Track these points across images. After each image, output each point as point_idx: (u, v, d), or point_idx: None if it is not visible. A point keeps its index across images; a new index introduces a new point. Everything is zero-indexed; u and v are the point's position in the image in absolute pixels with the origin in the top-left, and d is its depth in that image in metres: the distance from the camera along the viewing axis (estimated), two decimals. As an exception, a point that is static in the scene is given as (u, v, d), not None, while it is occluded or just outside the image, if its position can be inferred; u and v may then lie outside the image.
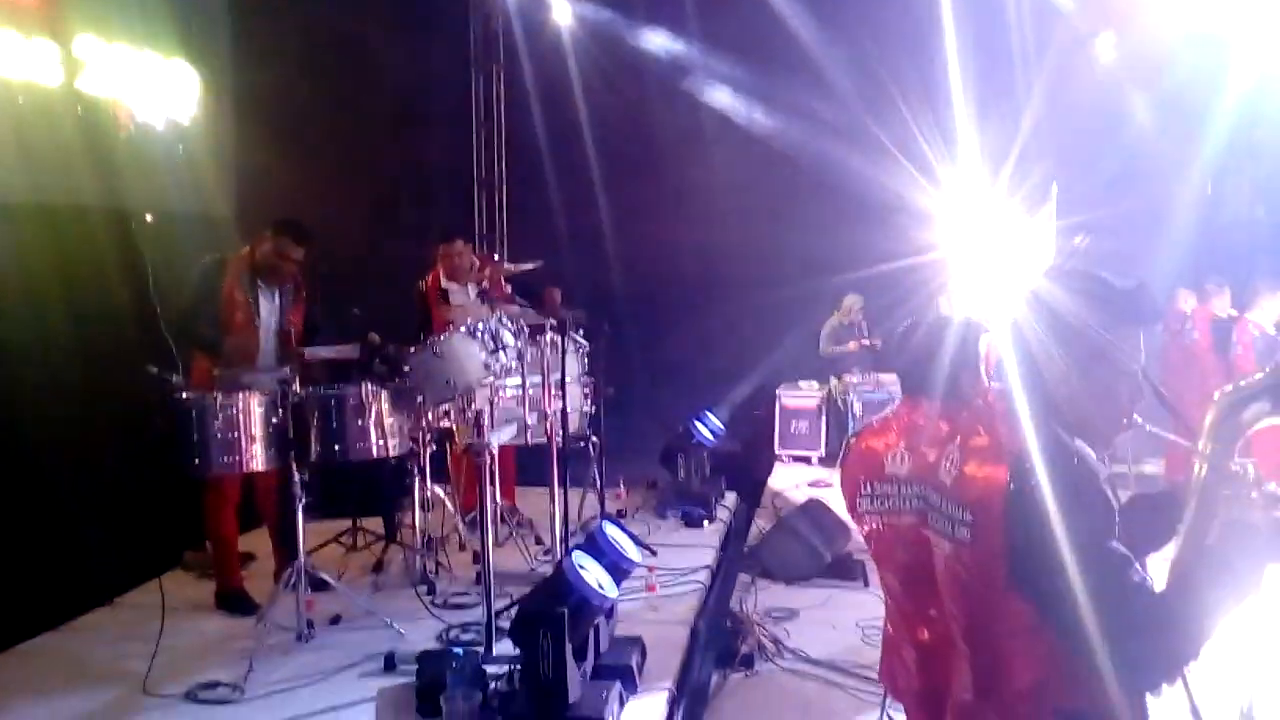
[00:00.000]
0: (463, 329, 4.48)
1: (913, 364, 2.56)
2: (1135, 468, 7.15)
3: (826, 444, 9.04)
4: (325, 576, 4.74)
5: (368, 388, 4.53)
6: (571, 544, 4.40)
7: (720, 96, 9.01)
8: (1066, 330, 1.75)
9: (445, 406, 4.89)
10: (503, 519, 5.95)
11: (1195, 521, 1.75)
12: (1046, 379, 1.75)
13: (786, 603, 5.53)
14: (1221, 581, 1.62)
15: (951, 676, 1.94)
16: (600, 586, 3.61)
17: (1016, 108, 8.05)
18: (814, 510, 6.15)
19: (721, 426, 7.07)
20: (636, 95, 9.01)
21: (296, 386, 4.42)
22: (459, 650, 3.90)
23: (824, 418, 9.12)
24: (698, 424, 6.92)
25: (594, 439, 5.93)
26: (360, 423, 4.49)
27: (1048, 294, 1.86)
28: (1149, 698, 1.77)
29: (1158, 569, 1.75)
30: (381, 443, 4.55)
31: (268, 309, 4.97)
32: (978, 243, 4.49)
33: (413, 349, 4.57)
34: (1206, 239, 8.09)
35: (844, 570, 5.86)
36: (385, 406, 4.55)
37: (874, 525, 2.29)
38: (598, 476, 6.08)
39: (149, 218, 5.74)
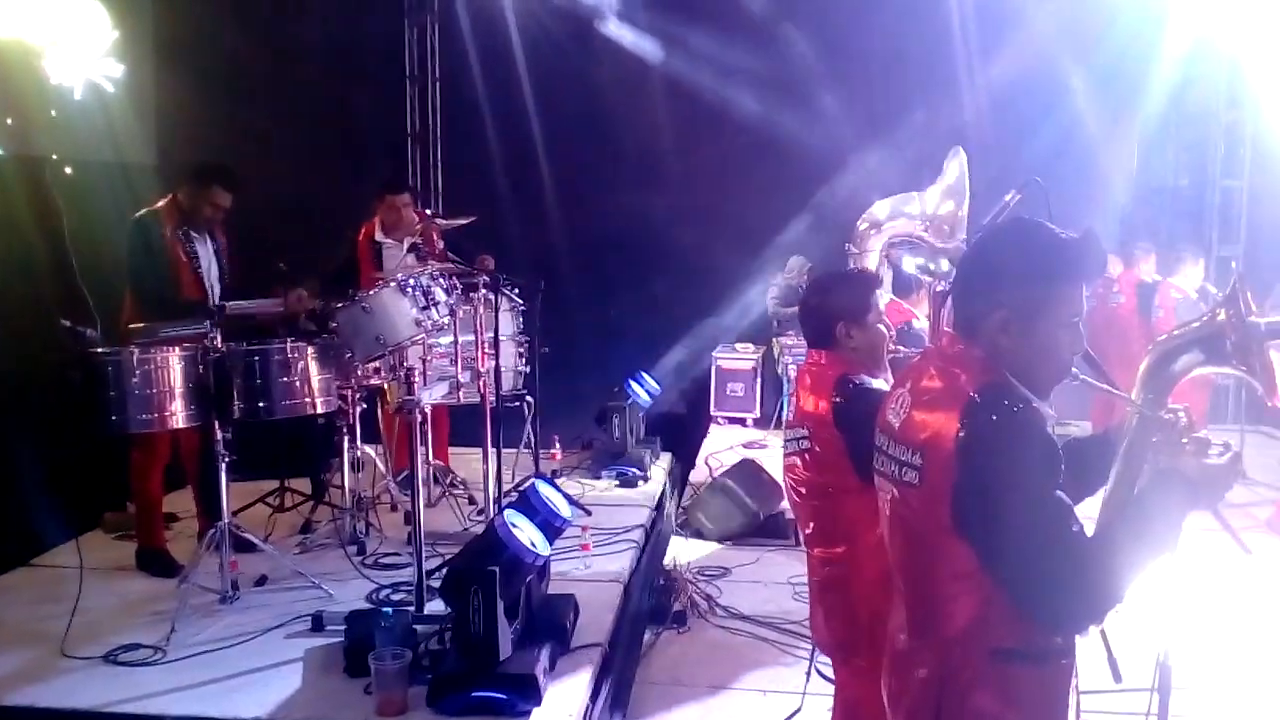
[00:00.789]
0: (393, 284, 4.37)
1: (801, 316, 2.80)
2: (1062, 427, 7.34)
3: (761, 406, 9.10)
4: (250, 537, 4.63)
5: (293, 343, 4.40)
6: (504, 503, 4.35)
7: (665, 58, 8.89)
8: (1010, 280, 1.75)
9: (375, 364, 4.79)
10: (435, 479, 5.88)
11: (1124, 468, 1.79)
12: (991, 328, 1.75)
13: (719, 561, 5.57)
14: (1148, 529, 1.66)
15: (889, 621, 1.96)
16: (533, 545, 3.58)
17: (956, 76, 8.12)
18: (747, 470, 6.18)
19: (658, 387, 7.07)
20: (579, 53, 8.84)
21: (218, 341, 4.27)
22: (388, 610, 3.84)
23: (759, 380, 9.16)
24: (634, 385, 6.89)
25: (529, 398, 5.87)
26: (286, 379, 4.37)
27: (993, 243, 1.86)
28: (1076, 639, 1.82)
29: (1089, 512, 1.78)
30: (309, 400, 4.44)
31: (206, 259, 4.83)
32: (910, 203, 4.61)
33: (340, 304, 4.45)
34: (1133, 205, 8.28)
35: (775, 529, 5.91)
36: (312, 363, 4.43)
37: None
38: (532, 436, 6.03)
39: (68, 169, 5.49)
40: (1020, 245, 1.79)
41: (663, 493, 6.44)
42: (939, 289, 3.78)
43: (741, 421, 9.16)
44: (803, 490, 2.71)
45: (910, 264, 4.69)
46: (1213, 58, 8.27)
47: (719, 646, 4.60)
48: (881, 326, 2.73)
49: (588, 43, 8.80)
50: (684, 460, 7.51)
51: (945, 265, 4.32)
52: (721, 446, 8.07)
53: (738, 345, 9.35)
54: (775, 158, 8.36)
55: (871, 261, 4.70)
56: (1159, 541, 1.65)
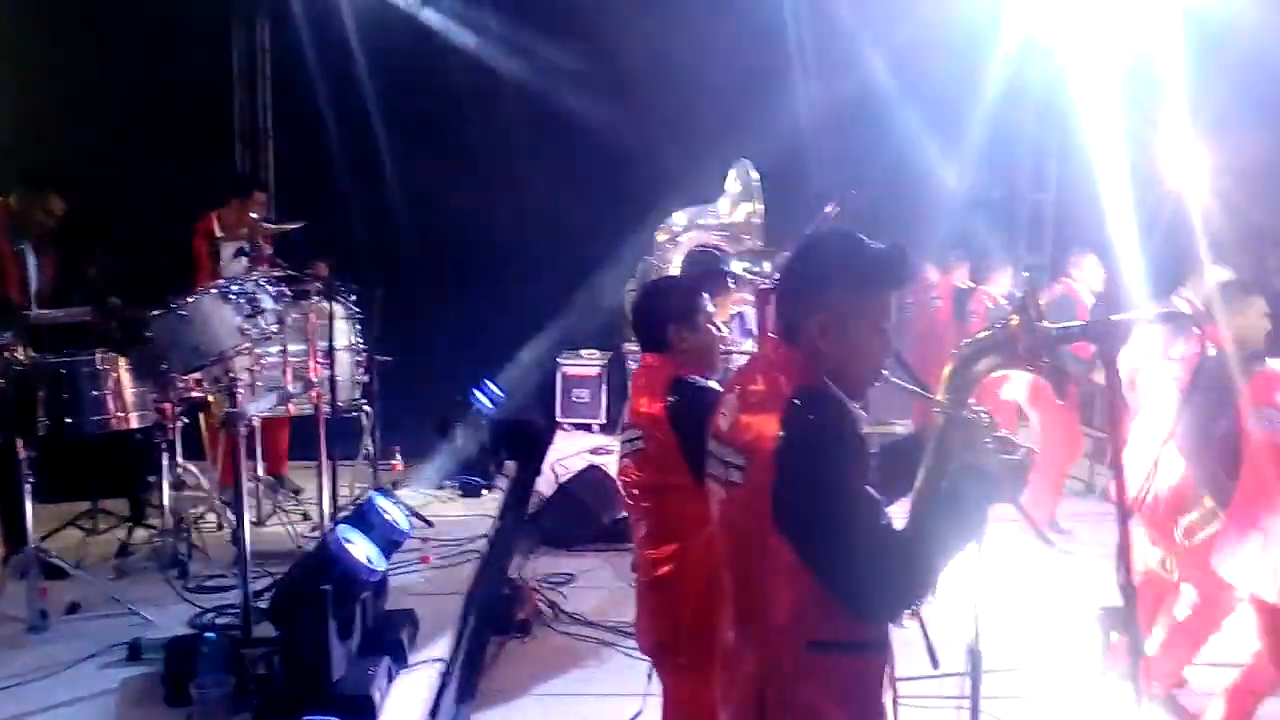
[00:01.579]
0: (214, 290, 4.15)
1: (635, 320, 2.83)
2: (886, 427, 7.67)
3: (608, 411, 9.13)
4: (60, 562, 4.31)
5: (104, 354, 4.12)
6: (338, 518, 4.20)
7: (507, 60, 8.81)
8: (825, 288, 1.84)
9: (197, 375, 4.54)
10: (270, 494, 5.63)
11: (932, 464, 1.90)
12: (811, 332, 1.83)
13: (565, 568, 5.56)
14: (954, 521, 1.78)
15: (719, 621, 2.00)
16: (369, 560, 3.47)
17: (796, 98, 8.42)
18: (593, 477, 6.20)
19: (501, 395, 6.99)
20: (421, 52, 8.64)
21: (20, 353, 3.95)
22: (211, 635, 3.64)
23: (604, 386, 9.19)
24: (477, 393, 6.80)
25: (367, 409, 5.70)
26: (97, 393, 4.10)
27: (811, 252, 1.94)
28: (891, 628, 1.91)
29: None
30: (122, 415, 4.18)
31: (33, 266, 4.50)
32: (705, 215, 4.89)
33: (156, 312, 4.20)
34: (949, 217, 8.79)
35: (620, 534, 5.93)
36: (125, 375, 4.17)
37: None
38: (371, 448, 5.85)
39: None
40: (835, 254, 1.88)
41: (507, 501, 6.37)
42: (763, 287, 3.91)
43: (588, 427, 9.16)
44: (636, 491, 2.74)
45: (738, 266, 4.85)
46: (1025, 80, 8.88)
47: (563, 653, 4.60)
48: (712, 328, 2.79)
49: (429, 41, 8.63)
50: (530, 467, 7.45)
51: (768, 267, 4.49)
52: (568, 453, 8.04)
53: (583, 351, 9.36)
54: (620, 164, 8.41)
55: (672, 264, 4.85)
56: (964, 532, 1.78)
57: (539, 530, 6.09)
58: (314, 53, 8.63)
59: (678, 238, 4.97)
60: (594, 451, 7.91)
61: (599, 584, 5.35)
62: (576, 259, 8.53)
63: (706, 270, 5.04)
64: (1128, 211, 7.70)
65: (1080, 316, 4.21)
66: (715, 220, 4.86)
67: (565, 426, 9.15)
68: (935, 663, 2.46)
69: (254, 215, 5.47)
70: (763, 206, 4.67)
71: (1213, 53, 7.56)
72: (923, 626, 2.30)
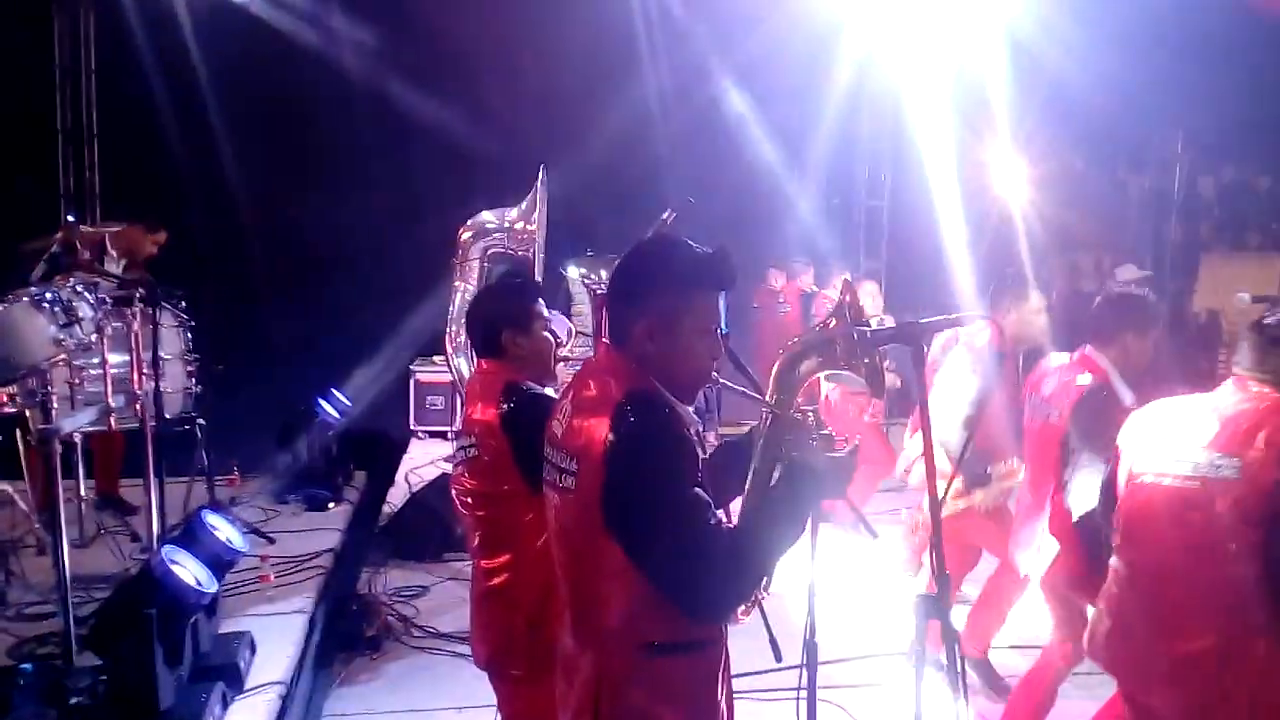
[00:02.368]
0: (25, 298, 3.87)
1: (468, 326, 2.81)
2: (738, 428, 7.88)
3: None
4: None
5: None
6: (165, 537, 3.99)
7: (353, 58, 8.56)
8: (651, 292, 1.86)
9: (10, 389, 4.22)
10: (96, 514, 5.28)
11: (762, 463, 1.95)
12: (638, 335, 1.85)
13: (418, 580, 5.44)
14: (782, 518, 1.83)
15: (560, 625, 2.00)
16: (198, 582, 3.31)
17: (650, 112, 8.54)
18: (447, 485, 6.08)
19: (348, 403, 6.79)
20: (259, 45, 8.29)
21: None
22: (28, 666, 3.40)
23: (459, 393, 9.05)
24: (322, 402, 6.58)
25: (200, 421, 5.42)
26: (-112, 411, 3.75)
27: (638, 257, 1.96)
28: (729, 627, 1.95)
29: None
30: (-81, 433, 3.83)
31: None
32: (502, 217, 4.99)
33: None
34: (794, 224, 9.11)
35: (475, 543, 5.87)
36: (-78, 390, 3.83)
37: None
38: (205, 462, 5.57)
39: None
40: (661, 258, 1.92)
41: (355, 513, 6.19)
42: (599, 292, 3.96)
43: (443, 435, 9.00)
44: (469, 500, 2.68)
45: (574, 272, 4.88)
46: (863, 93, 9.28)
47: (415, 668, 4.50)
48: (547, 334, 2.78)
49: (267, 33, 8.30)
50: (382, 478, 7.26)
51: (604, 274, 4.53)
52: (422, 461, 7.89)
53: (436, 358, 9.19)
54: (472, 167, 8.32)
55: (473, 270, 4.87)
56: (792, 529, 1.83)
57: (391, 542, 5.94)
58: (144, 44, 8.18)
59: (478, 236, 5.00)
60: (449, 460, 7.78)
61: (454, 595, 5.25)
62: (430, 262, 8.38)
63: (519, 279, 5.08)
64: (957, 218, 8.15)
65: None
66: (503, 223, 4.91)
67: (420, 435, 8.97)
68: (778, 656, 2.53)
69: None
70: (536, 215, 4.78)
71: (1030, 73, 8.12)
72: (765, 620, 2.36)
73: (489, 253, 4.96)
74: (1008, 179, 8.99)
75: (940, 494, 1.96)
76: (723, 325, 1.94)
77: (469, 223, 5.06)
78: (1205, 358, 9.31)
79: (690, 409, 1.88)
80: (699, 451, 1.82)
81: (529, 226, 4.69)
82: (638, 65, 8.71)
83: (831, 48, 8.57)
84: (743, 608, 2.06)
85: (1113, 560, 2.56)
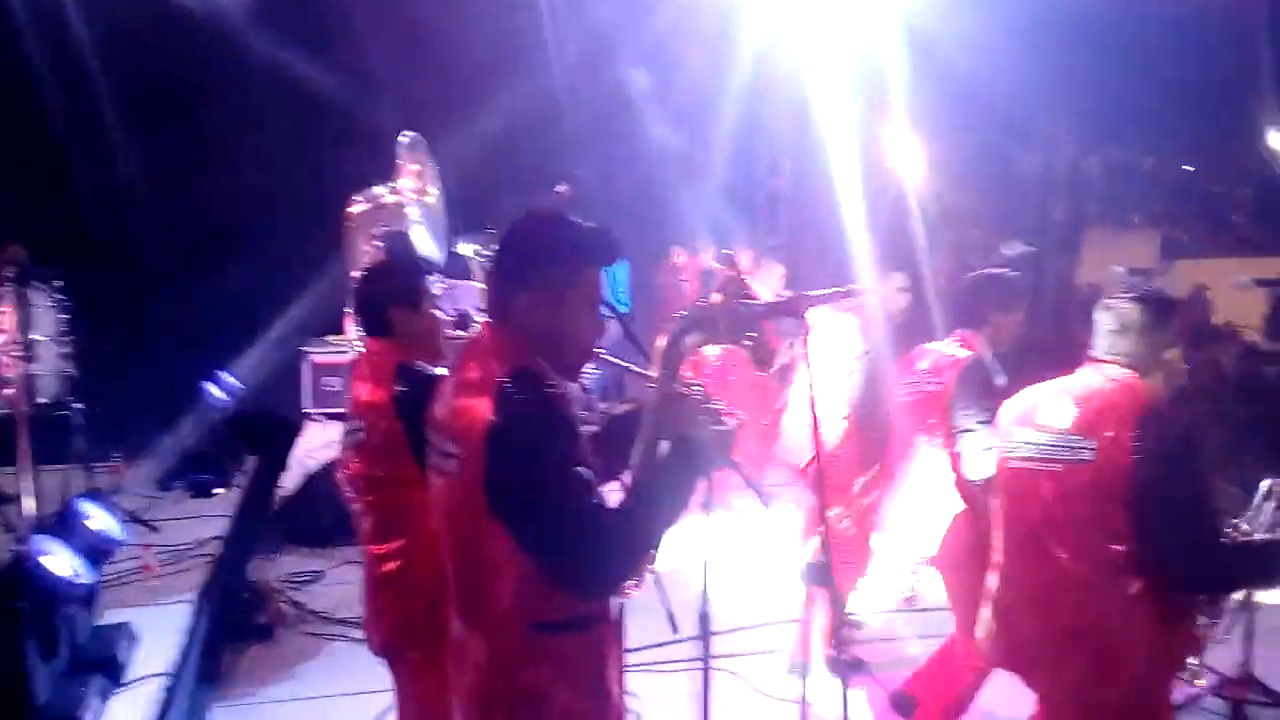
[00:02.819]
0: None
1: (356, 306, 2.77)
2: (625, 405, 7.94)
3: (362, 400, 8.78)
4: None
5: None
6: (38, 528, 3.80)
7: (245, 31, 8.20)
8: (533, 267, 1.83)
9: None
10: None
11: (647, 439, 1.93)
12: (520, 311, 1.82)
13: (312, 565, 5.33)
14: (668, 493, 1.82)
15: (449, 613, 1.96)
16: (73, 572, 3.16)
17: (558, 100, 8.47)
18: (342, 468, 5.95)
19: (237, 385, 6.55)
20: (149, 20, 7.87)
21: None
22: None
23: (357, 373, 8.84)
24: (210, 385, 6.34)
25: (77, 405, 5.16)
26: None
27: (521, 231, 1.93)
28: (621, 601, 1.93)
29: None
30: None
31: None
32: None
33: None
34: (696, 202, 9.16)
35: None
36: None
37: None
38: (83, 448, 5.31)
39: None
40: (544, 232, 1.88)
41: (246, 499, 6.00)
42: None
43: (341, 417, 8.73)
44: (360, 485, 2.63)
45: (466, 248, 4.80)
46: (764, 75, 9.36)
47: (309, 654, 4.43)
48: (436, 312, 2.73)
49: (159, 9, 7.90)
50: (275, 462, 7.04)
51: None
52: (318, 444, 7.68)
53: (331, 338, 8.94)
54: (367, 140, 8.07)
55: (363, 243, 4.81)
56: (678, 503, 1.82)
57: (284, 527, 5.79)
58: (23, 15, 7.70)
59: (370, 207, 4.92)
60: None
61: (349, 579, 5.13)
62: (323, 239, 8.14)
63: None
64: (855, 196, 8.32)
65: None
66: (391, 195, 4.85)
67: (316, 417, 8.72)
68: (675, 628, 2.56)
69: None
70: (413, 184, 4.74)
71: (924, 55, 8.31)
72: (662, 593, 2.37)
73: (379, 226, 4.85)
74: (903, 159, 9.20)
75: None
76: (624, 302, 1.92)
77: (358, 196, 4.95)
78: (1087, 331, 9.73)
79: (575, 386, 1.85)
80: (582, 430, 1.80)
81: (404, 197, 4.61)
82: (541, 41, 8.60)
83: (734, 29, 8.62)
84: (631, 582, 2.05)
85: (994, 556, 2.61)
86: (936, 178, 9.30)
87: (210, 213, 7.90)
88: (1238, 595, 2.57)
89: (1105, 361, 2.43)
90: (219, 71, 8.17)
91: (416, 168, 4.78)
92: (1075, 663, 2.36)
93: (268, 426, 7.49)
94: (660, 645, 3.54)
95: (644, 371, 2.02)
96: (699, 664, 2.47)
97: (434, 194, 4.90)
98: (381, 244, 4.78)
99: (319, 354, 8.73)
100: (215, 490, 5.87)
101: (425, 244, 5.02)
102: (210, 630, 4.30)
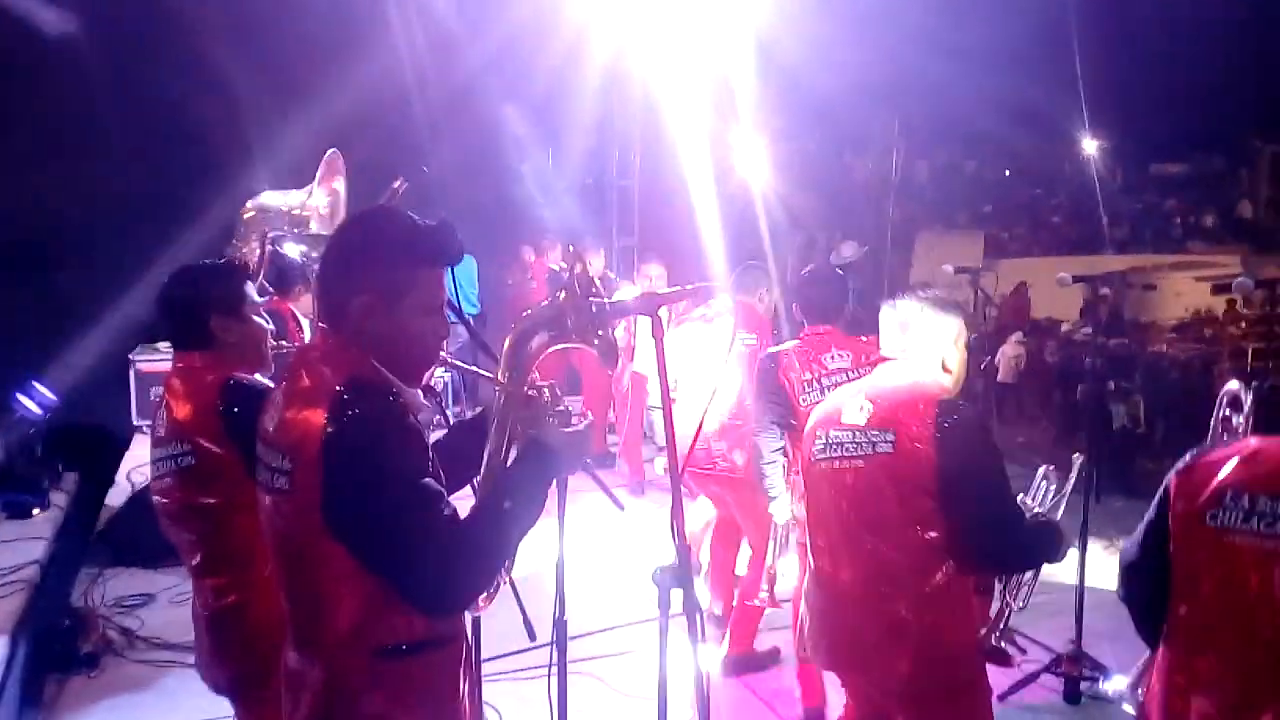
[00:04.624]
0: None
1: (165, 315, 2.55)
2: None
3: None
4: None
5: None
6: None
7: (65, 21, 7.62)
8: (366, 269, 1.72)
9: None
10: None
11: (496, 445, 1.87)
12: (355, 315, 1.71)
13: (142, 587, 5.00)
14: (520, 500, 1.73)
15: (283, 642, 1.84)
16: None
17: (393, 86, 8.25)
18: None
19: (52, 397, 6.08)
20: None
21: None
22: None
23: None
24: (21, 396, 5.85)
25: None
26: None
27: (354, 231, 1.83)
28: (469, 615, 1.87)
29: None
30: None
31: None
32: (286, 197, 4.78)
33: None
34: (545, 202, 9.15)
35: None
36: None
37: None
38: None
39: None
40: (379, 231, 1.77)
41: (67, 519, 5.57)
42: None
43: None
44: (184, 514, 2.42)
45: (294, 250, 4.61)
46: (615, 79, 9.42)
47: (140, 683, 4.15)
48: (259, 319, 2.54)
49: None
50: (100, 478, 6.58)
51: None
52: (148, 459, 7.22)
53: (161, 345, 8.43)
54: (199, 139, 7.68)
55: (253, 252, 4.57)
56: (530, 510, 1.74)
57: (110, 549, 5.41)
58: None
59: (260, 216, 4.65)
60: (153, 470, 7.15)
61: (183, 602, 4.85)
62: (148, 241, 7.65)
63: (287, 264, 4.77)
64: (704, 197, 8.48)
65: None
66: (286, 204, 4.61)
67: (145, 429, 8.19)
68: (532, 635, 2.50)
69: None
70: (326, 199, 4.54)
71: (769, 61, 8.56)
72: (519, 601, 2.31)
73: (270, 236, 4.58)
74: (749, 161, 9.44)
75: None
76: (474, 303, 1.86)
77: (249, 204, 4.66)
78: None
79: (418, 392, 1.77)
80: (427, 438, 1.71)
81: (309, 210, 4.38)
82: (382, 32, 8.35)
83: (584, 32, 8.64)
84: (485, 595, 1.98)
85: (808, 559, 2.66)
86: (781, 181, 9.59)
87: (27, 212, 7.32)
88: (1031, 572, 2.69)
89: (894, 359, 2.53)
90: (40, 64, 7.58)
91: (335, 185, 4.54)
92: (903, 655, 2.38)
93: (89, 440, 7.00)
94: (516, 653, 3.50)
95: (491, 375, 1.96)
96: (555, 672, 2.43)
97: (341, 209, 4.68)
98: (270, 249, 4.50)
99: (147, 362, 8.23)
100: (32, 511, 5.42)
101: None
102: (29, 663, 3.97)
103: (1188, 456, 2.07)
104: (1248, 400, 3.16)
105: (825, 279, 3.80)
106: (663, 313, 1.91)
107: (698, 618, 1.93)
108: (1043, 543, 2.52)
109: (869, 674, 2.52)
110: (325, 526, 1.61)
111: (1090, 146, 12.45)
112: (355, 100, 7.69)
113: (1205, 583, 1.96)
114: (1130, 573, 2.18)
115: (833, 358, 3.58)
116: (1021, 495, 2.74)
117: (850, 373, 3.44)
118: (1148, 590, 2.10)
